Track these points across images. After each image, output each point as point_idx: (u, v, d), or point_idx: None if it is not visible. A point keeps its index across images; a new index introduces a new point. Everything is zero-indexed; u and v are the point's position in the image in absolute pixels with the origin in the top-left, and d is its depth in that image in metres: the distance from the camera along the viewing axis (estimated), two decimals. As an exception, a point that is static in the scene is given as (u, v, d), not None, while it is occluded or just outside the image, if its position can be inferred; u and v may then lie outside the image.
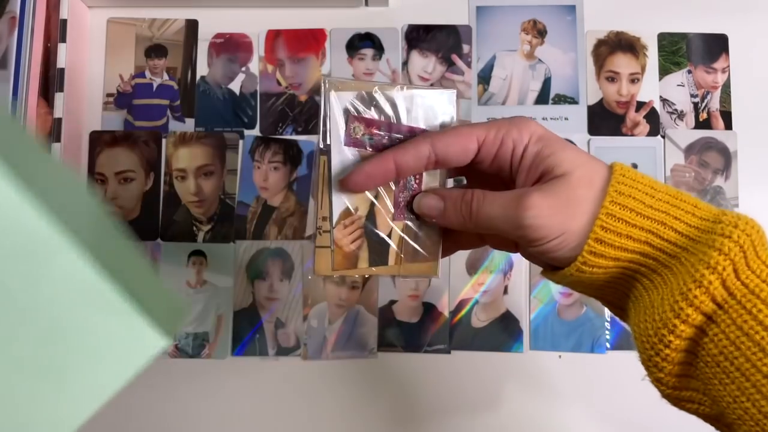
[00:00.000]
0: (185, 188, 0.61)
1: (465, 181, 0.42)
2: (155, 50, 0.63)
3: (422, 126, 0.38)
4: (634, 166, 0.61)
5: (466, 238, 0.41)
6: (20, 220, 0.22)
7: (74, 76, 0.60)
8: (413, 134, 0.38)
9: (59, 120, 0.58)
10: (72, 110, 0.60)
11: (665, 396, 0.33)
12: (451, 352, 0.59)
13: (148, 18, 0.64)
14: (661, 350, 0.31)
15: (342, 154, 0.38)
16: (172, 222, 0.61)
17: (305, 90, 0.63)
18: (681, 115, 0.62)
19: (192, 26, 0.63)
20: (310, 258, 0.60)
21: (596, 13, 0.63)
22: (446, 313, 0.60)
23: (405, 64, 0.63)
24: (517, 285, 0.60)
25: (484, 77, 0.63)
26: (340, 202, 0.38)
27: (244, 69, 0.63)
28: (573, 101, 0.62)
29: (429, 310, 0.60)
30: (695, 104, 0.62)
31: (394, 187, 0.39)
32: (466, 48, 0.63)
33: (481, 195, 0.36)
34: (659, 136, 0.62)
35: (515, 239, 0.36)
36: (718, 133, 0.62)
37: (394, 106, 0.38)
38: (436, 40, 0.63)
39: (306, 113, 0.62)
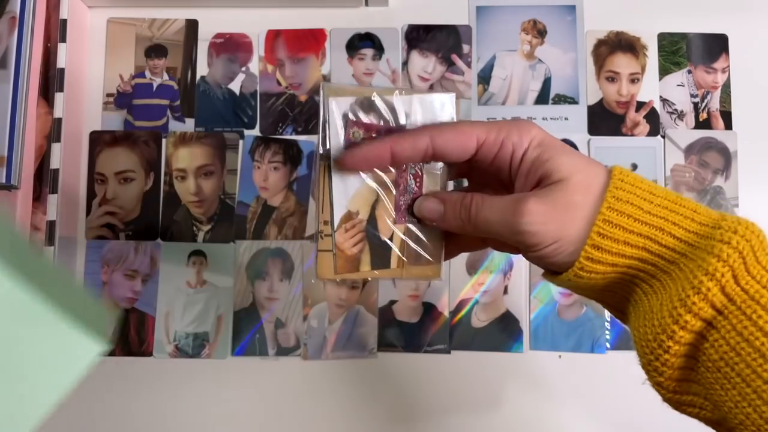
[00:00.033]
0: (185, 188, 0.61)
1: (466, 183, 0.42)
2: (155, 50, 0.63)
3: None
4: (634, 166, 0.61)
5: (468, 241, 0.41)
6: None
7: (74, 76, 0.60)
8: None
9: (59, 120, 0.58)
10: (72, 110, 0.60)
11: (666, 400, 0.33)
12: (451, 352, 0.59)
13: (148, 18, 0.64)
14: (661, 355, 0.31)
15: None
16: (172, 222, 0.61)
17: (305, 90, 0.63)
18: (681, 115, 0.62)
19: (192, 26, 0.63)
20: (310, 258, 0.60)
21: (596, 13, 0.63)
22: (446, 313, 0.60)
23: (405, 64, 0.63)
24: (517, 285, 0.60)
25: (484, 77, 0.63)
26: (341, 206, 0.38)
27: (244, 69, 0.63)
28: (573, 101, 0.62)
29: (429, 310, 0.60)
30: (695, 104, 0.62)
31: (394, 191, 0.39)
32: (466, 48, 0.63)
33: (479, 199, 0.36)
34: (659, 136, 0.62)
35: (513, 244, 0.36)
36: (718, 133, 0.62)
37: (393, 110, 0.39)
38: (436, 40, 0.63)
39: (306, 113, 0.62)
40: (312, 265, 0.60)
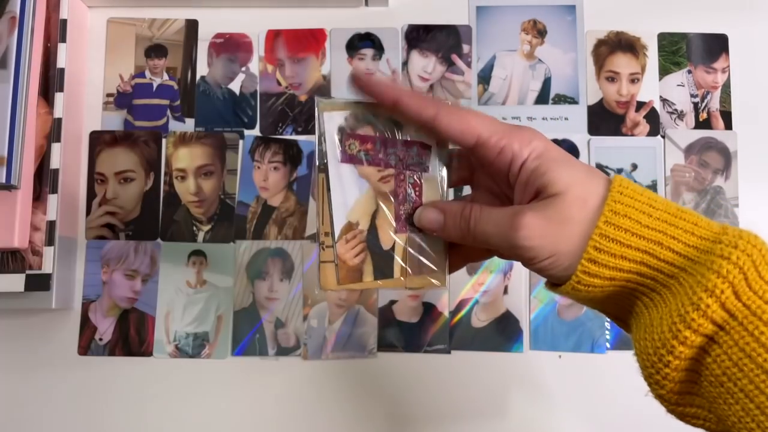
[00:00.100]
0: (185, 188, 0.61)
1: (468, 187, 0.42)
2: (155, 50, 0.63)
3: (417, 139, 0.39)
4: (634, 166, 0.61)
5: (472, 251, 0.40)
6: None
7: (74, 75, 0.60)
8: (409, 148, 0.39)
9: (59, 120, 0.58)
10: (72, 110, 0.60)
11: (670, 411, 0.33)
12: (451, 352, 0.59)
13: (148, 18, 0.64)
14: (661, 369, 0.31)
15: (339, 171, 0.39)
16: (172, 222, 0.61)
17: (305, 90, 0.63)
18: (681, 115, 0.62)
19: (192, 26, 0.63)
20: (310, 258, 0.60)
21: (596, 13, 0.63)
22: (446, 313, 0.60)
23: (405, 64, 0.63)
24: (517, 285, 0.60)
25: (484, 77, 0.63)
26: (341, 217, 0.39)
27: (244, 69, 0.63)
28: (573, 101, 0.62)
29: (429, 310, 0.60)
30: (695, 104, 0.62)
31: (394, 201, 0.39)
32: (466, 48, 0.63)
33: (478, 210, 0.36)
34: (659, 136, 0.62)
35: (512, 257, 0.36)
36: (718, 133, 0.62)
37: (387, 121, 0.39)
38: (436, 40, 0.63)
39: (306, 113, 0.62)
40: (312, 265, 0.60)
